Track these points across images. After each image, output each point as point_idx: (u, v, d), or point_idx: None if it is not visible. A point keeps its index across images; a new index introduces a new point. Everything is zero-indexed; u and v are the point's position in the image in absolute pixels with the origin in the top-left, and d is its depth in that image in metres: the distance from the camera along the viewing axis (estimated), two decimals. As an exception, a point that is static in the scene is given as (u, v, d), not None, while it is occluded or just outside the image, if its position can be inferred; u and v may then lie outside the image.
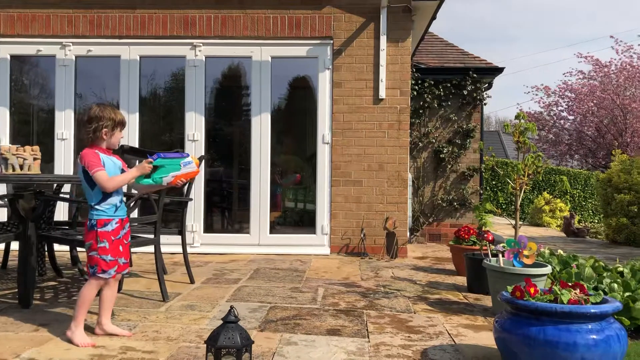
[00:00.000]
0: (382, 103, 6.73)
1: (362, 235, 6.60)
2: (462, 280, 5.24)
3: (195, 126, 6.77)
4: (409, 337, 3.39)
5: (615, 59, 21.96)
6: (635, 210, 9.65)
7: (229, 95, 7.25)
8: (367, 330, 3.51)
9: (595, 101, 21.64)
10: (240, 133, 7.05)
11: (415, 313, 3.98)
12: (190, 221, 6.66)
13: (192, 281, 4.81)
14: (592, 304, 2.72)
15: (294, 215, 7.29)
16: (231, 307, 2.46)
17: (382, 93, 6.68)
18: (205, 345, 2.47)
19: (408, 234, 7.30)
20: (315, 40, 6.77)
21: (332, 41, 6.75)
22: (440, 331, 3.53)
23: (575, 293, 2.74)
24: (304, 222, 7.06)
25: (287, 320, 3.68)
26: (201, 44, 6.80)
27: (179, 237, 4.89)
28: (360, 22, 6.72)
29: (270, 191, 6.82)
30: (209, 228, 6.91)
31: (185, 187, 4.92)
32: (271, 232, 6.78)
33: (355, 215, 6.70)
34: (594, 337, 2.56)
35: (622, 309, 2.83)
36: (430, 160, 9.01)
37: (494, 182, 17.37)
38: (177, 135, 6.93)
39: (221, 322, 2.47)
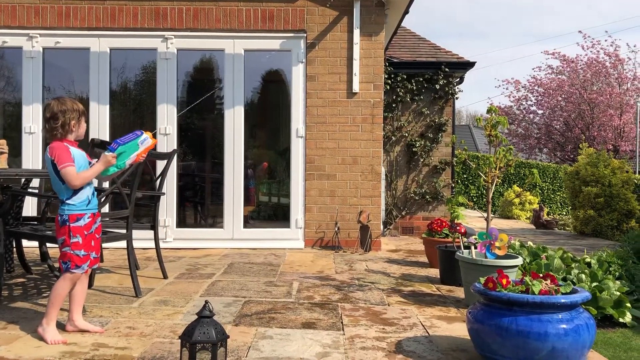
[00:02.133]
0: (355, 97, 6.74)
1: (336, 229, 6.62)
2: (435, 272, 5.30)
3: (167, 120, 6.69)
4: (383, 329, 3.42)
5: (581, 55, 22.41)
6: (602, 202, 9.89)
7: (202, 89, 7.18)
8: (342, 323, 3.53)
9: (563, 96, 22.08)
10: (213, 127, 7.00)
11: (389, 305, 4.01)
12: (163, 216, 6.58)
13: (165, 276, 4.76)
14: (563, 294, 2.78)
15: (268, 209, 7.27)
16: (206, 302, 2.44)
17: (356, 87, 6.69)
18: (179, 340, 2.45)
19: (381, 227, 7.35)
20: (289, 33, 6.74)
21: (305, 34, 6.73)
22: (414, 323, 3.57)
23: (546, 284, 2.80)
24: (278, 216, 7.05)
25: (262, 314, 3.67)
26: (173, 37, 6.71)
27: (152, 232, 4.83)
28: (334, 16, 6.71)
29: (244, 185, 6.79)
30: (182, 223, 6.84)
31: (158, 181, 4.86)
32: (245, 226, 6.75)
33: (330, 209, 6.72)
34: (565, 326, 2.62)
35: (590, 298, 2.89)
36: (403, 154, 9.07)
37: (465, 176, 17.59)
38: (148, 129, 6.82)
39: (195, 317, 2.46)
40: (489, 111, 4.15)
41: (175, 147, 6.61)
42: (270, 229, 6.82)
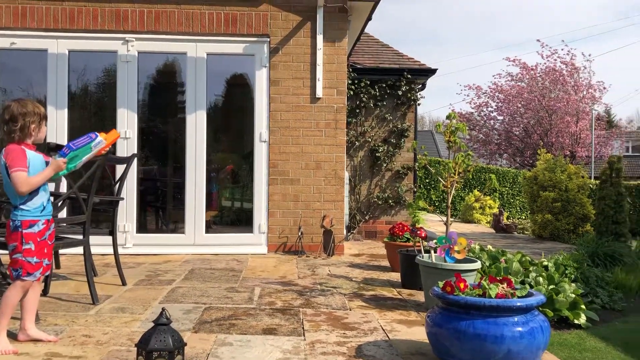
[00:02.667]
0: (319, 102, 6.76)
1: (299, 234, 6.62)
2: (396, 276, 5.35)
3: (127, 123, 6.57)
4: (344, 334, 3.43)
5: (540, 63, 23.04)
6: (559, 207, 10.16)
7: (164, 92, 7.08)
8: (303, 328, 3.52)
9: (522, 102, 22.65)
10: (176, 131, 6.91)
11: (350, 310, 4.03)
12: (123, 221, 6.46)
13: (123, 283, 4.67)
14: (518, 297, 2.84)
15: (230, 214, 7.21)
16: (163, 309, 2.41)
17: (319, 92, 6.72)
18: (136, 348, 2.40)
19: (345, 231, 7.38)
20: (252, 37, 6.72)
21: (269, 39, 6.72)
22: (374, 327, 3.59)
23: (502, 287, 2.86)
24: (241, 221, 7.00)
25: (223, 321, 3.64)
26: (134, 39, 6.60)
27: (110, 237, 4.73)
28: (297, 21, 6.72)
29: (207, 190, 6.72)
30: (142, 228, 6.72)
31: (117, 186, 4.77)
32: (207, 231, 6.67)
33: (293, 214, 6.71)
34: (520, 329, 2.67)
35: (545, 301, 2.97)
36: (366, 159, 9.14)
37: (427, 181, 17.82)
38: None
39: (153, 324, 2.42)
40: (448, 117, 4.22)
41: (136, 151, 6.50)
42: (232, 234, 6.77)
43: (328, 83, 6.76)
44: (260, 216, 6.69)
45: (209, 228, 6.76)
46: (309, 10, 6.71)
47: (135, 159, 6.39)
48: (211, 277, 5.08)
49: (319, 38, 6.67)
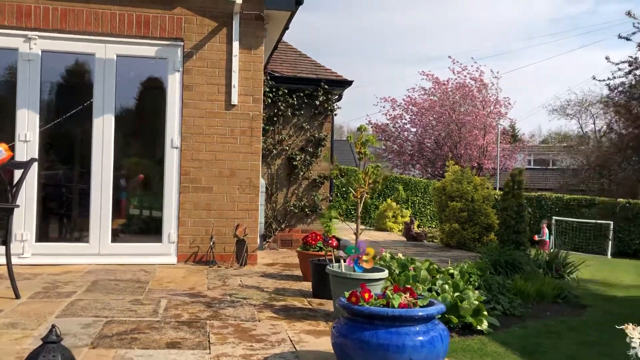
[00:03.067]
0: (234, 109, 6.67)
1: (211, 243, 6.48)
2: (308, 285, 5.35)
3: (27, 126, 6.18)
4: (251, 346, 3.37)
5: (452, 78, 24.11)
6: (465, 216, 10.62)
7: (70, 94, 6.73)
8: (209, 341, 3.43)
9: (434, 115, 23.58)
10: (82, 134, 6.57)
11: (259, 321, 3.98)
12: (20, 229, 6.05)
13: (17, 296, 4.36)
14: (420, 307, 2.91)
15: (139, 223, 6.95)
16: (53, 326, 2.26)
17: (235, 99, 6.63)
18: (21, 369, 2.23)
19: (259, 240, 7.32)
20: (165, 41, 6.53)
21: (183, 43, 6.56)
22: (282, 338, 3.56)
23: (405, 297, 2.92)
24: (150, 230, 6.75)
25: (124, 335, 3.47)
26: (37, 37, 6.23)
27: (3, 247, 4.41)
28: (213, 26, 6.61)
29: (115, 197, 6.44)
30: (43, 237, 6.32)
31: (12, 192, 4.46)
32: (114, 240, 6.38)
33: (205, 223, 6.56)
34: (421, 338, 2.74)
35: (445, 310, 3.06)
36: (283, 167, 9.14)
37: (344, 189, 18.08)
38: (6, 136, 6.25)
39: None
40: (359, 129, 4.30)
41: (37, 155, 6.11)
42: (140, 243, 6.51)
43: (244, 90, 6.70)
44: (170, 225, 6.49)
45: (116, 237, 6.47)
46: (225, 17, 6.63)
47: (35, 164, 6.03)
48: (115, 289, 4.85)
49: (235, 44, 6.60)
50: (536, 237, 15.43)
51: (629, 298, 9.85)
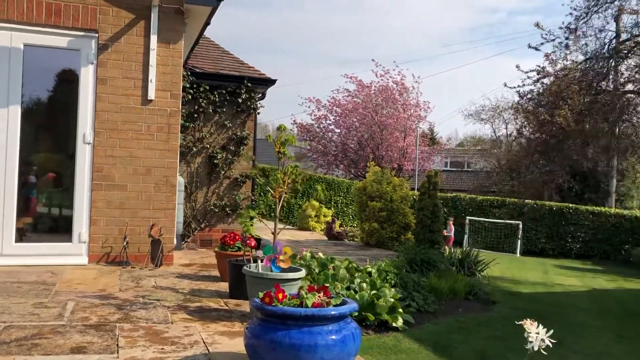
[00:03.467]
0: (151, 104, 6.47)
1: (124, 243, 6.24)
2: (225, 286, 5.27)
3: None
4: (162, 349, 3.27)
5: (375, 81, 24.60)
6: (384, 216, 10.87)
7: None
8: (117, 345, 3.30)
9: (358, 117, 23.98)
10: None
11: (172, 323, 3.87)
12: None
13: None
14: (334, 305, 2.94)
15: (48, 222, 6.58)
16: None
17: (152, 94, 6.43)
18: None
19: (176, 240, 7.13)
20: (78, 31, 6.23)
21: (97, 35, 6.28)
22: (195, 340, 3.48)
23: (319, 296, 2.93)
24: (60, 229, 6.41)
25: (24, 341, 3.27)
26: None
27: None
28: (130, 19, 6.37)
29: (23, 194, 6.06)
30: (-63, 237, 5.85)
31: None
32: (19, 240, 6.01)
33: (118, 222, 6.31)
34: (333, 337, 2.76)
35: (358, 309, 3.11)
36: (204, 166, 8.96)
37: (267, 188, 18.03)
38: None
39: None
40: (279, 129, 4.28)
41: None
42: (49, 243, 6.17)
43: (162, 85, 6.51)
44: (81, 224, 6.19)
45: (22, 236, 6.10)
46: (143, 9, 6.40)
47: None
48: (17, 292, 4.57)
49: (153, 38, 6.40)
50: (445, 233, 16.12)
51: (534, 294, 10.46)
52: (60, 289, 4.77)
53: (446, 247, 14.48)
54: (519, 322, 2.60)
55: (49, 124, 6.63)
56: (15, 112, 5.99)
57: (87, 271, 5.73)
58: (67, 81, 6.51)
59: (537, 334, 2.48)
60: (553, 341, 2.53)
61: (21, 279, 5.12)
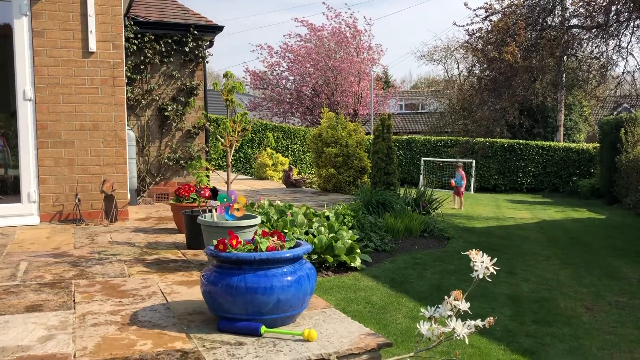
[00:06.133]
0: (92, 57, 6.22)
1: (77, 201, 6.13)
2: (183, 238, 5.28)
3: None
4: (119, 302, 3.28)
5: (326, 24, 24.21)
6: (340, 161, 10.95)
7: None
8: (74, 301, 3.29)
9: (311, 63, 23.67)
10: None
11: (129, 277, 3.87)
12: None
13: None
14: (288, 249, 2.99)
15: (-6, 183, 6.38)
16: None
17: (93, 46, 6.18)
18: None
19: (129, 195, 7.04)
20: (7, -20, 5.87)
21: (28, -17, 5.94)
22: (153, 291, 3.50)
23: (273, 240, 2.97)
24: (8, 190, 6.24)
25: (-24, 303, 3.22)
26: None
27: None
28: (63, -35, 6.03)
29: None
30: None
31: None
32: (-36, 204, 5.83)
33: (69, 180, 6.17)
34: (289, 278, 2.82)
35: (311, 250, 3.17)
36: (155, 119, 8.76)
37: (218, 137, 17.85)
38: None
39: None
40: (225, 76, 4.20)
41: None
42: (-4, 205, 6.00)
43: (102, 36, 6.25)
44: (29, 184, 6.02)
45: (-33, 200, 5.91)
46: (76, -46, 6.06)
47: None
48: (-33, 256, 4.46)
49: (90, -14, 6.09)
50: (453, 182, 14.34)
51: (486, 228, 10.86)
52: (12, 250, 4.68)
53: (459, 199, 14.11)
54: (465, 253, 2.71)
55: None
56: (-54, 70, 5.68)
57: (40, 231, 5.63)
58: (4, 36, 6.17)
59: (482, 263, 2.59)
60: (497, 268, 2.65)
61: (-30, 243, 4.99)
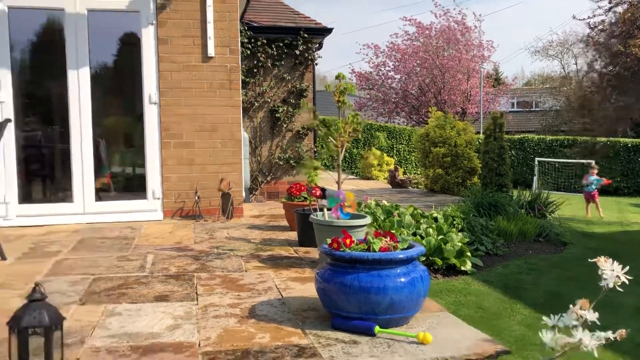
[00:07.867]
0: (211, 61, 6.56)
1: (196, 198, 6.50)
2: (294, 235, 5.42)
3: (0, 86, 6.04)
4: (238, 295, 3.44)
5: (435, 22, 23.76)
6: (449, 161, 10.70)
7: (44, 52, 6.55)
8: (196, 293, 3.49)
9: (418, 61, 23.34)
10: (59, 93, 6.44)
11: (246, 271, 4.04)
12: (2, 191, 6.01)
13: (3, 258, 4.38)
14: (401, 250, 2.98)
15: (123, 180, 6.92)
16: (36, 284, 2.28)
17: (211, 51, 6.51)
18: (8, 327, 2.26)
19: (244, 193, 7.34)
20: (137, -7, 6.34)
21: (155, -5, 6.38)
22: (269, 287, 3.63)
23: (385, 241, 2.98)
24: (135, 187, 6.74)
25: (112, 291, 3.52)
26: (2, -7, 6.01)
27: (-15, 210, 4.39)
28: (185, -24, 6.42)
29: (98, 155, 6.39)
30: (26, 198, 6.29)
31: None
32: (98, 199, 6.37)
33: (189, 178, 6.56)
34: (402, 279, 2.81)
35: (425, 252, 3.13)
36: (266, 120, 9.08)
37: (328, 139, 18.09)
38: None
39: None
40: (337, 77, 4.26)
41: (12, 116, 6.01)
42: (125, 200, 6.51)
43: (220, 42, 6.57)
44: (154, 181, 6.48)
45: (101, 195, 6.46)
46: (197, -35, 6.42)
47: (11, 124, 5.95)
48: (102, 247, 4.89)
49: (209, -6, 6.43)
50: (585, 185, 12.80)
51: (608, 234, 10.12)
52: (139, 243, 5.06)
53: (593, 204, 12.76)
54: (592, 260, 2.55)
55: (115, 87, 6.87)
56: (85, 78, 6.24)
57: (163, 225, 6.03)
58: (130, 44, 6.68)
59: (612, 271, 2.42)
60: (629, 277, 2.47)
61: (104, 235, 5.46)
